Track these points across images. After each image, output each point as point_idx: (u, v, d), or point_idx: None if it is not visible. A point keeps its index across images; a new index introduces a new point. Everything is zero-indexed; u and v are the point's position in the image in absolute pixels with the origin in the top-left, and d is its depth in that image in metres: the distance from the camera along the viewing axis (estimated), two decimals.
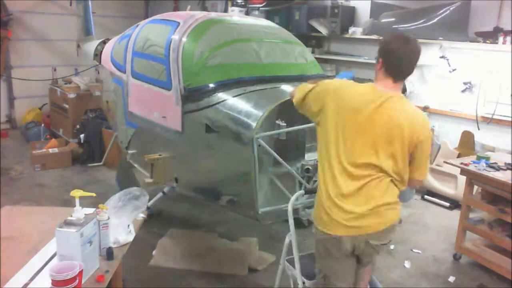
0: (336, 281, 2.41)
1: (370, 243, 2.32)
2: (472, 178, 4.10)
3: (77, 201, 2.33)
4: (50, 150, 6.47)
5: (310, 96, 2.39)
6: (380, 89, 2.27)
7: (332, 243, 2.30)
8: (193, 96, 3.46)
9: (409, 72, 2.35)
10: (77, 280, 1.99)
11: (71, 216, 2.25)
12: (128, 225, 2.63)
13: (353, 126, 2.22)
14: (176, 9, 9.37)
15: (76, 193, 2.36)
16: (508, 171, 3.92)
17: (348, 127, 2.23)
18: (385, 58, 2.30)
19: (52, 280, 1.96)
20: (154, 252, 4.12)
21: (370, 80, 7.07)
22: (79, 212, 2.27)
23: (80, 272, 2.03)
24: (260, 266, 4.02)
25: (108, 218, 2.42)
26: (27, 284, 2.13)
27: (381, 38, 2.43)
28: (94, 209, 2.51)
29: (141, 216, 2.88)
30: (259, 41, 3.78)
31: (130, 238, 2.58)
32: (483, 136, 5.61)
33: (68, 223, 2.19)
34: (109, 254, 2.37)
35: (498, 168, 3.97)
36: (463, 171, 4.15)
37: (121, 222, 2.58)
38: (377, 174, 2.24)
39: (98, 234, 2.35)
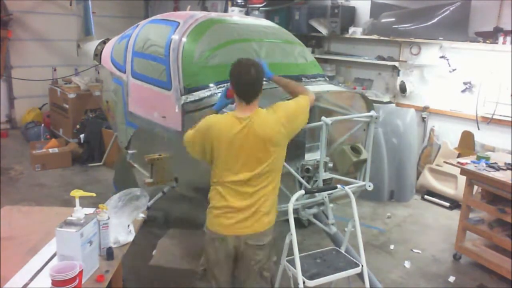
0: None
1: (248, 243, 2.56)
2: (472, 178, 4.10)
3: (77, 201, 2.33)
4: (50, 150, 6.48)
5: (191, 144, 2.64)
6: (238, 116, 2.49)
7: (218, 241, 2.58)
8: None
9: (256, 93, 2.53)
10: (77, 280, 1.99)
11: (71, 216, 2.25)
12: (128, 225, 2.63)
13: (231, 154, 2.50)
14: (176, 9, 9.37)
15: (76, 193, 2.37)
16: (508, 171, 3.92)
17: (228, 156, 2.50)
18: (234, 85, 2.55)
19: (52, 280, 1.96)
20: (154, 252, 4.12)
21: (370, 80, 6.98)
22: (79, 212, 2.27)
23: (80, 272, 2.03)
24: None
25: (108, 218, 2.42)
26: (27, 284, 2.13)
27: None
28: (94, 209, 2.51)
29: (141, 216, 2.87)
30: (259, 41, 3.78)
31: (130, 238, 2.58)
32: (483, 136, 5.60)
33: (68, 223, 2.20)
34: (109, 254, 2.37)
35: (498, 168, 3.98)
36: (463, 171, 4.16)
37: (121, 222, 2.58)
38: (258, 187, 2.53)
39: (98, 234, 2.35)
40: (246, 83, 2.49)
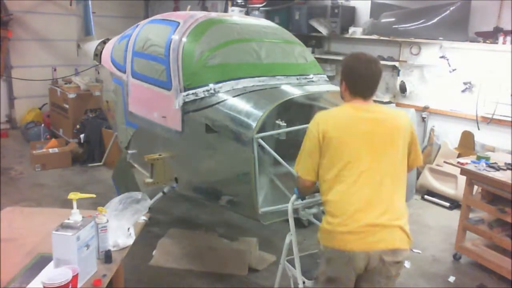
0: None
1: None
2: (472, 178, 4.10)
3: (74, 204, 2.29)
4: (50, 150, 6.48)
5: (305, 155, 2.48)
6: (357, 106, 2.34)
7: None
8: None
9: (375, 89, 2.38)
10: (70, 286, 1.96)
11: (69, 219, 2.23)
12: (128, 228, 2.60)
13: (359, 143, 2.27)
14: (176, 9, 9.37)
15: (74, 195, 2.32)
16: (508, 171, 3.92)
17: (354, 147, 2.27)
18: (350, 80, 2.36)
19: (44, 287, 1.92)
20: (154, 252, 4.12)
21: None
22: (77, 215, 2.23)
23: (75, 277, 1.99)
24: (260, 266, 4.01)
25: (107, 221, 2.38)
26: (27, 284, 2.13)
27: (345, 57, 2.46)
28: (94, 210, 2.49)
29: (143, 219, 2.85)
30: (259, 41, 3.78)
31: (130, 241, 2.55)
32: (483, 136, 5.60)
33: (64, 226, 2.15)
34: (107, 257, 2.34)
35: (498, 168, 3.97)
36: (463, 171, 4.15)
37: (121, 225, 2.56)
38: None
39: (97, 237, 2.32)
40: (369, 77, 2.32)
